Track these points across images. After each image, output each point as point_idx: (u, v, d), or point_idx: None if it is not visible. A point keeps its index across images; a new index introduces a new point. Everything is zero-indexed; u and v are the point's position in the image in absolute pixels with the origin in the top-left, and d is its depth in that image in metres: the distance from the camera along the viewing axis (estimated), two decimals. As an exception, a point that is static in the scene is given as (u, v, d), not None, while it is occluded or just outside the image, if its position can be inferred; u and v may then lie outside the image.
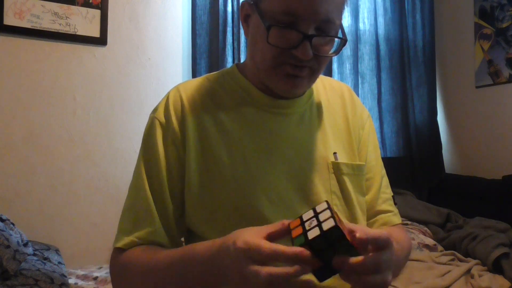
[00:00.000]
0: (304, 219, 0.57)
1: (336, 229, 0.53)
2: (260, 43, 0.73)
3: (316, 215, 0.56)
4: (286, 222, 0.58)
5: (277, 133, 0.80)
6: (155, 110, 0.82)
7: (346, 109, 0.89)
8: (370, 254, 0.55)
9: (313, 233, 0.54)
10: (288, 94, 0.79)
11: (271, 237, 0.56)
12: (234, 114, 0.80)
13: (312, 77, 0.77)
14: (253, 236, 0.56)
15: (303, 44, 0.69)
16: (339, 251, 0.54)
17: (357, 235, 0.54)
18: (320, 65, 0.75)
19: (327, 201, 0.58)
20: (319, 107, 0.86)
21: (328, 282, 0.73)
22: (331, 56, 0.77)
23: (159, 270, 0.70)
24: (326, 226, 0.53)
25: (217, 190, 0.75)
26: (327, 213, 0.55)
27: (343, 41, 0.74)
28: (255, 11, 0.73)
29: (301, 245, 0.54)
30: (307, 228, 0.55)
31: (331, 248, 0.53)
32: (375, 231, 0.56)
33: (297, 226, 0.57)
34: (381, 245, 0.56)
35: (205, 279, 0.63)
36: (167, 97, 0.82)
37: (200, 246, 0.65)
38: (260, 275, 0.52)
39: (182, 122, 0.78)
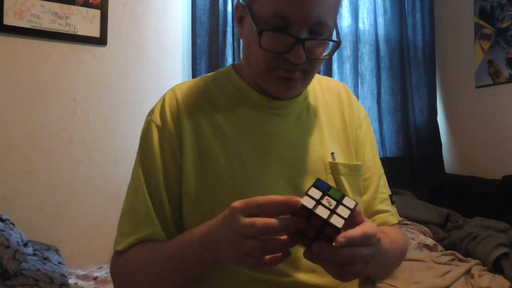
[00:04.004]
0: (315, 196, 0.56)
1: (335, 229, 0.53)
2: (253, 46, 0.73)
3: (340, 201, 0.56)
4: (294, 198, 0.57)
5: (273, 133, 0.80)
6: (151, 112, 0.82)
7: (343, 108, 0.89)
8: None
9: (321, 211, 0.54)
10: (282, 96, 0.79)
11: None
12: (231, 115, 0.80)
13: (306, 79, 0.77)
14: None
15: (296, 48, 0.69)
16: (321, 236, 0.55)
17: (338, 238, 0.53)
18: (313, 67, 0.75)
19: (356, 203, 0.57)
20: (316, 107, 0.86)
21: (322, 281, 0.73)
22: (325, 59, 0.77)
23: (160, 260, 0.71)
24: (334, 221, 0.54)
25: (214, 192, 0.75)
26: (346, 212, 0.55)
27: (337, 44, 0.73)
28: (248, 13, 0.73)
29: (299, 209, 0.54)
30: (322, 202, 0.55)
31: (316, 230, 0.54)
32: (356, 232, 0.55)
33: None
34: (363, 243, 0.56)
35: (202, 258, 0.65)
36: (163, 99, 0.82)
37: (199, 226, 0.67)
38: (255, 225, 0.53)
39: (178, 124, 0.78)
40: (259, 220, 0.54)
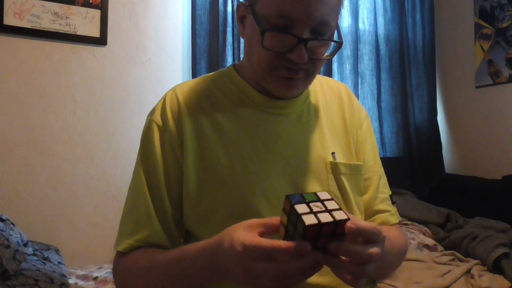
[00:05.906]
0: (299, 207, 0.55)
1: (345, 221, 0.53)
2: (255, 46, 0.73)
3: (321, 201, 0.55)
4: (278, 219, 0.57)
5: (274, 133, 0.80)
6: (152, 112, 0.82)
7: (343, 109, 0.89)
8: (361, 245, 0.55)
9: (324, 218, 0.52)
10: (284, 96, 0.79)
11: (262, 234, 0.56)
12: (231, 114, 0.80)
13: (308, 79, 0.77)
14: (247, 236, 0.55)
15: (298, 48, 0.69)
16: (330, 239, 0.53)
17: (348, 224, 0.53)
18: (315, 67, 0.75)
19: (328, 192, 0.57)
20: (316, 107, 0.86)
21: (324, 280, 0.73)
22: (327, 59, 0.77)
23: (158, 272, 0.70)
24: (339, 216, 0.53)
25: (215, 192, 0.75)
26: (334, 204, 0.55)
27: (339, 44, 0.74)
28: (250, 13, 0.73)
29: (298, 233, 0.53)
30: (314, 211, 0.53)
31: (323, 236, 0.53)
32: (366, 224, 0.54)
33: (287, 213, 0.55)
34: (372, 238, 0.55)
35: (204, 277, 0.64)
36: (164, 99, 0.82)
37: (193, 250, 0.64)
38: (270, 272, 0.52)
39: (179, 124, 0.78)
40: (275, 267, 0.52)
